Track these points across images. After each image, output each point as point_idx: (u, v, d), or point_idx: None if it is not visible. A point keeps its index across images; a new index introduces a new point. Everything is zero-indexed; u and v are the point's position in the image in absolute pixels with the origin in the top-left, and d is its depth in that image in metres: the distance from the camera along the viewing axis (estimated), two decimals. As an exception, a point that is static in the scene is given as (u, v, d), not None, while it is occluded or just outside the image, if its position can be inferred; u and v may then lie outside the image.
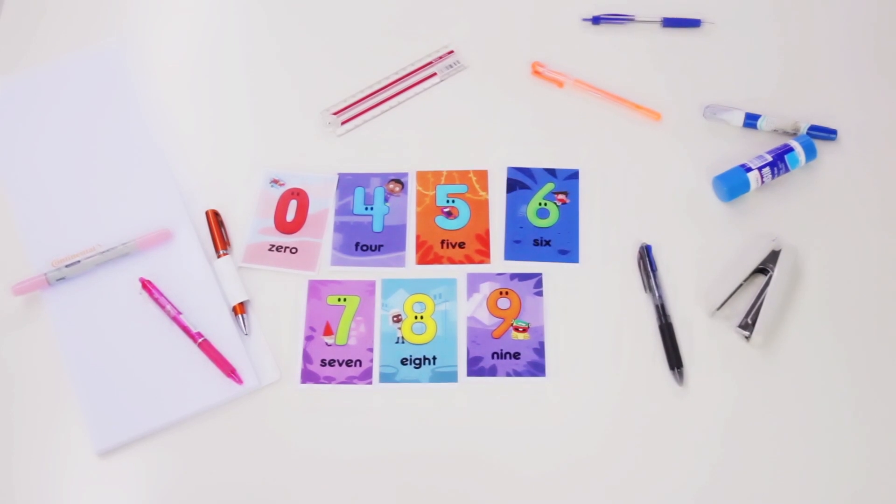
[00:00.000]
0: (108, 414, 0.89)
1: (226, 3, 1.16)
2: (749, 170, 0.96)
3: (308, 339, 0.93)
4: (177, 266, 0.96)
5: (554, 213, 0.98)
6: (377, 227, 0.98)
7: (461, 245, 0.97)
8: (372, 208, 0.99)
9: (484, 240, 0.97)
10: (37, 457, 0.88)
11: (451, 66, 1.08)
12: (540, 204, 0.99)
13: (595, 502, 0.85)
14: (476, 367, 0.91)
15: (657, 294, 0.92)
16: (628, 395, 0.89)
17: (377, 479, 0.86)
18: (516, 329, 0.92)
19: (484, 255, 0.96)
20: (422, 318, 0.93)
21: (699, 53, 1.08)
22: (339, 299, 0.95)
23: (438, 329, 0.92)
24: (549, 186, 1.00)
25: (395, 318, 0.93)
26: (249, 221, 0.99)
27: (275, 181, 1.01)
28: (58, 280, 0.95)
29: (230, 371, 0.90)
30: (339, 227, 0.99)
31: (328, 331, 0.93)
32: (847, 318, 0.92)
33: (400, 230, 0.98)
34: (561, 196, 0.99)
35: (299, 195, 1.00)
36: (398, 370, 0.91)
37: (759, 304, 0.90)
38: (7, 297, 0.94)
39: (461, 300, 0.94)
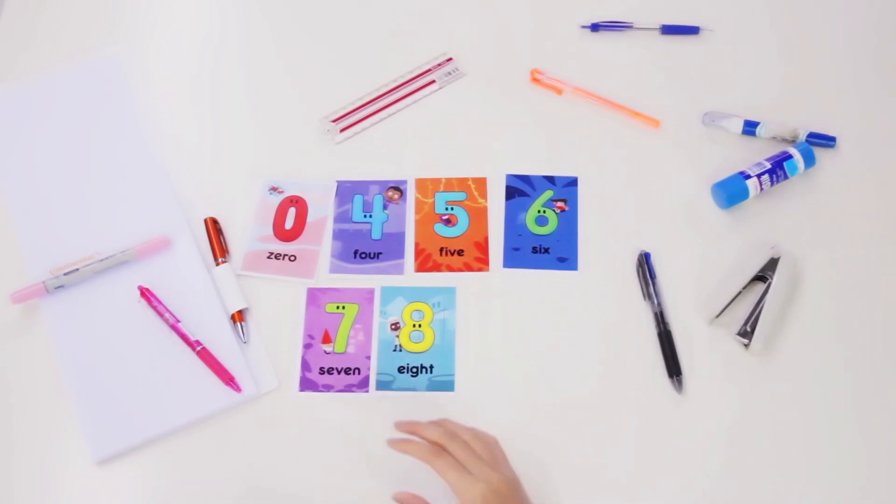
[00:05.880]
0: (107, 422, 0.89)
1: (224, 11, 1.16)
2: (748, 177, 0.96)
3: (307, 346, 0.93)
4: (175, 274, 0.96)
5: (553, 221, 0.98)
6: (376, 235, 0.98)
7: (460, 252, 0.97)
8: (371, 216, 0.99)
9: (483, 247, 0.97)
10: (35, 465, 0.88)
11: (449, 74, 1.08)
12: (539, 211, 0.99)
13: (594, 511, 0.85)
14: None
15: (656, 301, 0.92)
16: (627, 402, 0.89)
17: (375, 488, 0.85)
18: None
19: (483, 262, 0.96)
20: (420, 326, 0.93)
21: (698, 61, 1.08)
22: (338, 307, 0.94)
23: (437, 338, 0.92)
24: (548, 194, 1.00)
25: (393, 326, 0.93)
26: (248, 229, 0.99)
27: (273, 189, 1.01)
28: (56, 288, 0.94)
29: (229, 379, 0.90)
30: (337, 235, 0.98)
31: (327, 339, 0.93)
32: (846, 326, 0.91)
33: (399, 238, 0.98)
34: (560, 203, 0.99)
35: (298, 203, 1.00)
36: (395, 378, 0.91)
37: (758, 311, 0.90)
38: (5, 305, 0.94)
39: (460, 309, 0.94)
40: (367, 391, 0.90)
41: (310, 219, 1.00)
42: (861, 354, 0.90)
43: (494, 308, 0.94)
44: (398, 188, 1.01)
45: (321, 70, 1.09)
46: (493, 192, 1.00)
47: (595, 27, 1.10)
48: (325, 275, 0.96)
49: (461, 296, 0.94)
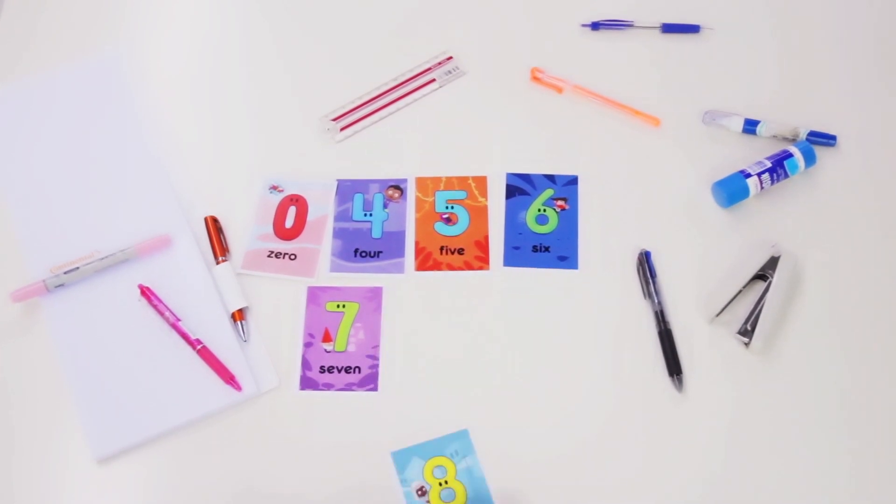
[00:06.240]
0: (107, 421, 0.89)
1: (224, 11, 1.16)
2: (748, 176, 0.96)
3: (307, 345, 0.92)
4: (176, 273, 0.96)
5: (553, 220, 0.98)
6: (376, 234, 0.98)
7: (460, 251, 0.97)
8: (371, 214, 0.99)
9: (483, 246, 0.97)
10: (36, 464, 0.88)
11: (450, 72, 1.08)
12: (539, 210, 0.99)
13: (594, 509, 0.85)
14: (475, 374, 0.90)
15: (656, 300, 0.92)
16: (627, 401, 0.89)
17: (377, 486, 0.85)
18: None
19: (483, 261, 0.96)
20: (447, 483, 0.86)
21: (698, 59, 1.08)
22: (339, 306, 0.94)
23: (468, 490, 0.85)
24: (549, 192, 1.00)
25: (419, 492, 0.85)
26: (248, 228, 0.99)
27: (274, 187, 1.01)
28: (56, 287, 0.94)
29: (229, 378, 0.90)
30: (338, 234, 0.98)
31: (327, 337, 0.93)
32: (846, 324, 0.91)
33: (399, 236, 0.98)
34: (560, 202, 0.99)
35: (298, 201, 1.00)
36: None
37: (758, 310, 0.90)
38: (6, 303, 0.94)
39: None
40: (367, 390, 0.90)
41: (310, 217, 0.99)
42: (861, 353, 0.90)
43: (494, 307, 0.94)
44: (398, 187, 1.01)
45: (321, 69, 1.09)
46: (494, 191, 1.00)
47: (595, 26, 1.10)
48: (326, 273, 0.96)
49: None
